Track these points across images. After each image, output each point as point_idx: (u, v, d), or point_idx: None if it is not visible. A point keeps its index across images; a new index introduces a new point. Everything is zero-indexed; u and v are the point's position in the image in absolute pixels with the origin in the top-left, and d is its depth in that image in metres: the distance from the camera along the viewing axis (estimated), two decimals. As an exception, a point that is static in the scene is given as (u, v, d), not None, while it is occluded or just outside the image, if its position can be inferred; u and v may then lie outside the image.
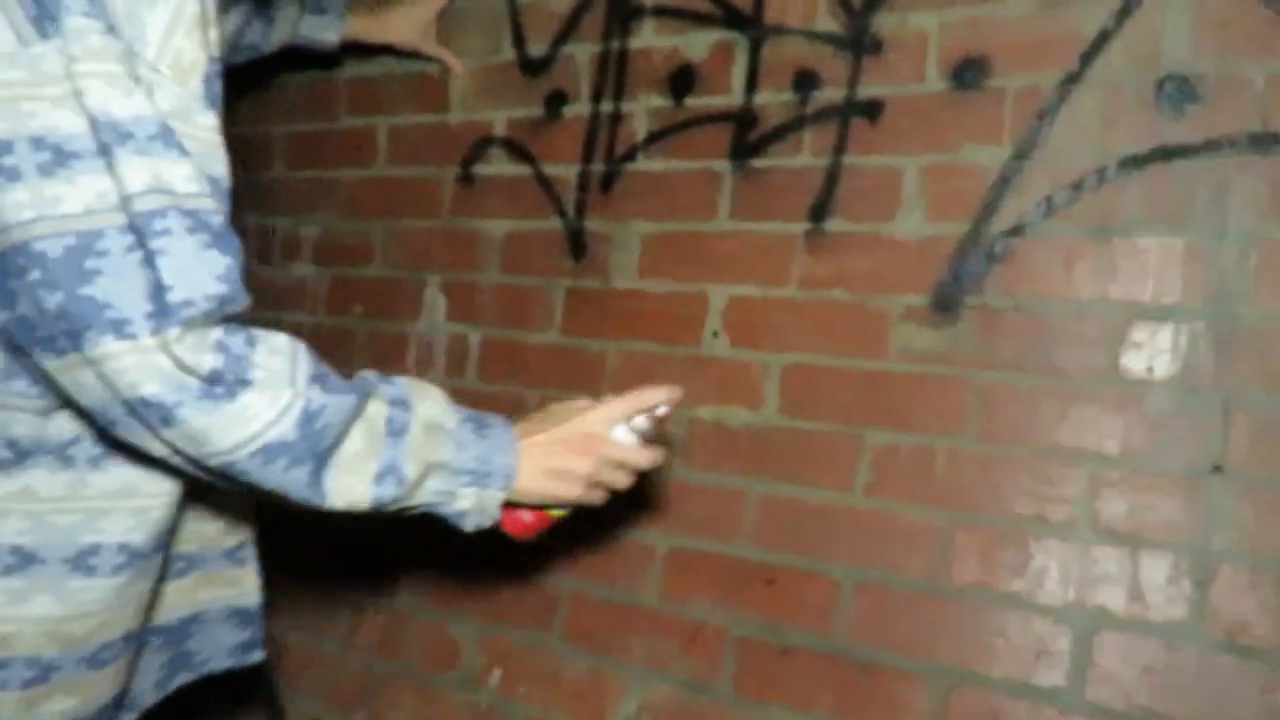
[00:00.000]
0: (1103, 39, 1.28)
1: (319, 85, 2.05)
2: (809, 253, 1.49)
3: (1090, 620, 1.23)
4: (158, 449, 0.77)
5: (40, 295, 0.70)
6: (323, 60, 1.95)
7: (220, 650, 1.12)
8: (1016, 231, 1.34)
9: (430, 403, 0.91)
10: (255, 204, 2.18)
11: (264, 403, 0.75)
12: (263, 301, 2.17)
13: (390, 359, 1.93)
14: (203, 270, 0.72)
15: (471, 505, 0.93)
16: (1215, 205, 1.22)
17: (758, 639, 1.43)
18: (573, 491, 1.00)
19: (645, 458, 1.04)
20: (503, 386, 1.78)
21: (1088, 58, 1.29)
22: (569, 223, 1.72)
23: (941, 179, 1.39)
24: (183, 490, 0.93)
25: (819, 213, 1.48)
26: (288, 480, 0.80)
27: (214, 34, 0.77)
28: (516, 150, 1.79)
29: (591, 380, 1.67)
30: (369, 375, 0.91)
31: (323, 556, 1.91)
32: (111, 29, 0.70)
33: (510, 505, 0.99)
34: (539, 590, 1.64)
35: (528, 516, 1.03)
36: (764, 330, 1.52)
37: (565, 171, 1.73)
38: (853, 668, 1.35)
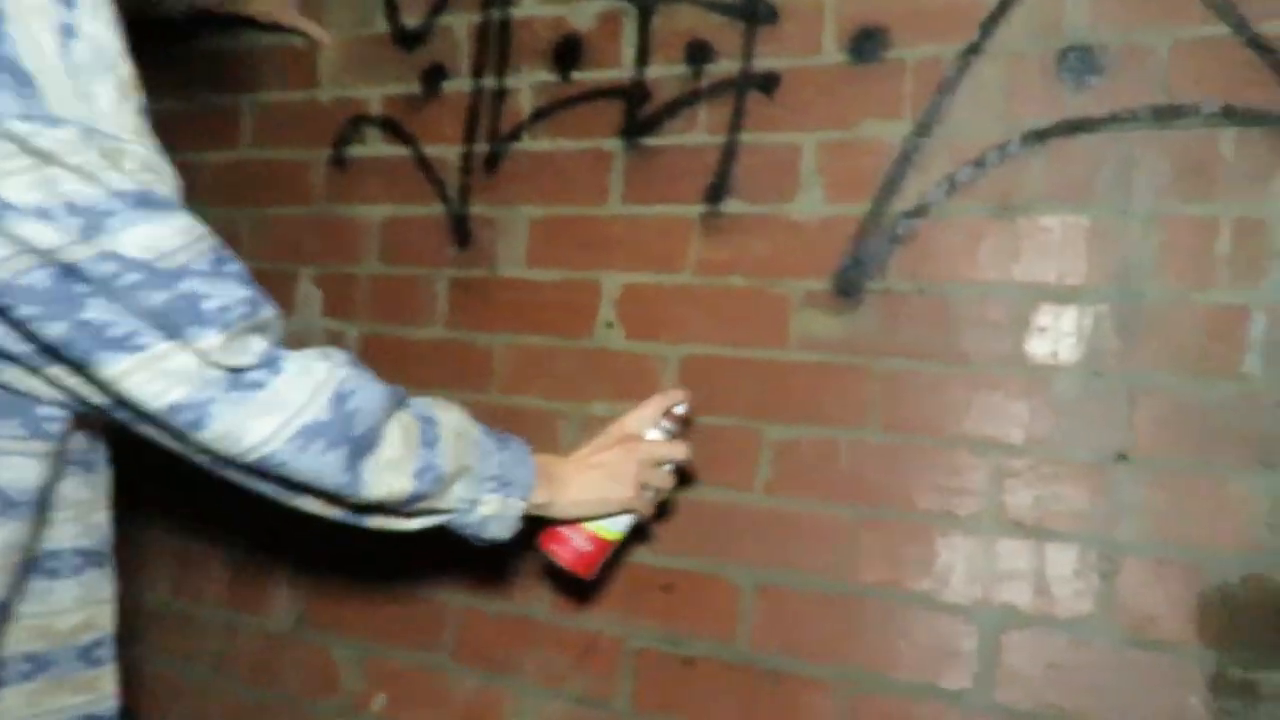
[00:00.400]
0: (1003, 7, 1.22)
1: (176, 60, 1.87)
2: (705, 236, 1.40)
3: (998, 618, 1.17)
4: (194, 457, 0.77)
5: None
6: (177, 33, 1.78)
7: None
8: (919, 211, 1.27)
9: (453, 414, 0.93)
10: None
11: (296, 386, 0.76)
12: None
13: (261, 358, 1.77)
14: (226, 281, 0.73)
15: (494, 511, 0.94)
16: (1119, 181, 1.17)
17: (657, 650, 1.34)
18: (625, 492, 1.03)
19: (682, 450, 1.08)
20: (384, 385, 1.64)
21: (988, 27, 1.23)
22: (452, 208, 1.60)
23: (841, 156, 1.32)
24: (19, 570, 0.82)
25: (715, 194, 1.39)
26: (324, 465, 0.78)
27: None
28: (393, 130, 1.65)
29: (479, 377, 1.55)
30: (402, 388, 0.91)
31: (190, 573, 1.75)
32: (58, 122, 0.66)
33: (562, 533, 1.04)
34: (427, 606, 1.51)
35: (585, 544, 1.05)
36: (660, 320, 1.43)
37: (446, 152, 1.60)
38: (757, 676, 1.27)
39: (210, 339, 0.70)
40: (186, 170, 2.04)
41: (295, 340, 1.71)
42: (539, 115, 1.52)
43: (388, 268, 1.66)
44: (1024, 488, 1.19)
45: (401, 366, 1.63)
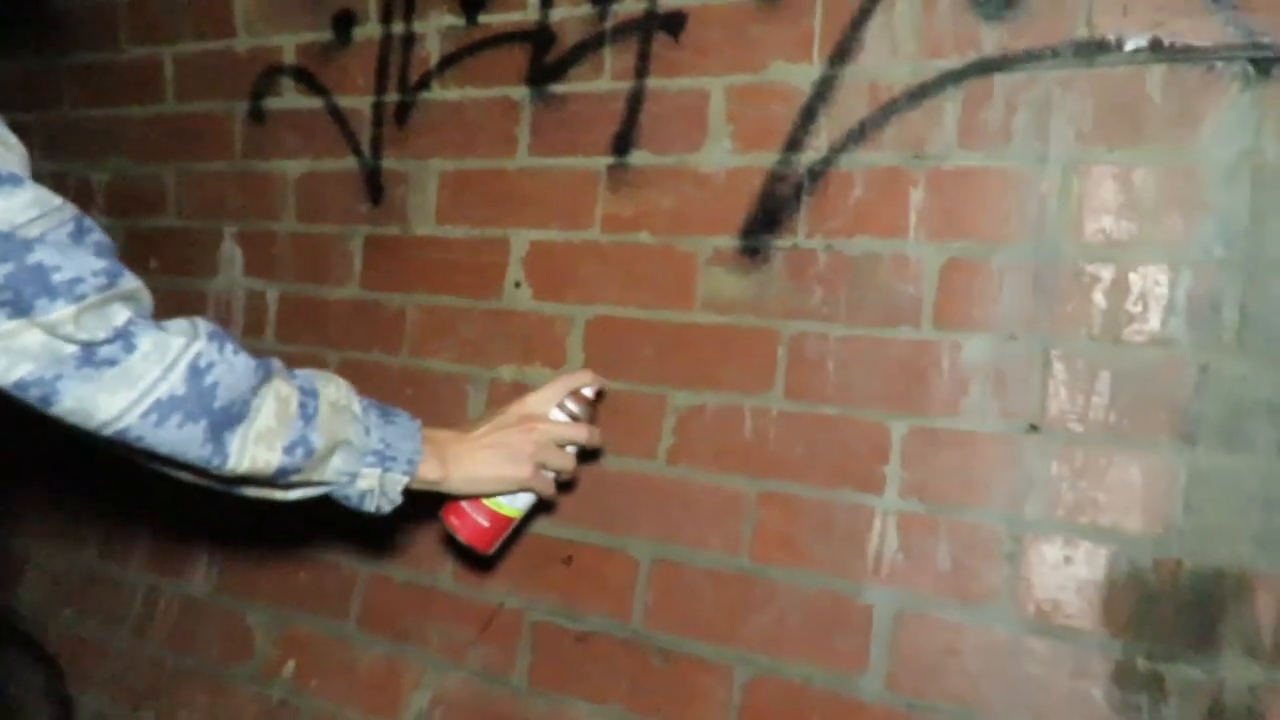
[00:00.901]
0: (915, -66, 1.11)
1: (101, 9, 1.81)
2: (612, 191, 1.32)
3: (897, 600, 1.09)
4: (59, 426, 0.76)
5: None
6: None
7: None
8: (828, 161, 1.17)
9: (334, 388, 0.91)
10: (47, 148, 1.95)
11: (150, 361, 0.75)
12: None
13: (187, 319, 1.73)
14: (81, 253, 0.72)
15: (372, 486, 0.93)
16: (1037, 125, 1.06)
17: (554, 624, 1.28)
18: (522, 470, 1.02)
19: (583, 433, 1.06)
20: (302, 347, 1.59)
21: (899, -43, 1.12)
22: (365, 162, 1.53)
23: (749, 102, 1.22)
24: None
25: (622, 144, 1.31)
26: (183, 438, 0.78)
27: None
28: (307, 80, 1.58)
29: (392, 338, 1.49)
30: (274, 359, 0.89)
31: (117, 537, 1.73)
32: None
33: (462, 508, 1.04)
34: (336, 572, 1.48)
35: (484, 520, 1.04)
36: (567, 279, 1.35)
37: (359, 103, 1.53)
38: (651, 655, 1.21)
39: (60, 311, 0.70)
40: (116, 124, 1.99)
41: (219, 301, 1.68)
42: (447, 62, 1.44)
43: (305, 225, 1.60)
44: (929, 460, 1.10)
45: (319, 328, 1.57)
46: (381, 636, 1.41)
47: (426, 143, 1.47)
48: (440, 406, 1.42)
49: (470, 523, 1.05)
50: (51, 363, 0.72)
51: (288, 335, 1.61)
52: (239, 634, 1.53)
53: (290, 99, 1.60)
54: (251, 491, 0.90)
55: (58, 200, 0.73)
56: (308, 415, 0.86)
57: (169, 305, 1.75)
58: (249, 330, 1.65)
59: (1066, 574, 1.03)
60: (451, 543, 1.16)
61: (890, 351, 1.13)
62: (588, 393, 1.08)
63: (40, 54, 1.94)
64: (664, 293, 1.28)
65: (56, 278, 0.70)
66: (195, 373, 0.78)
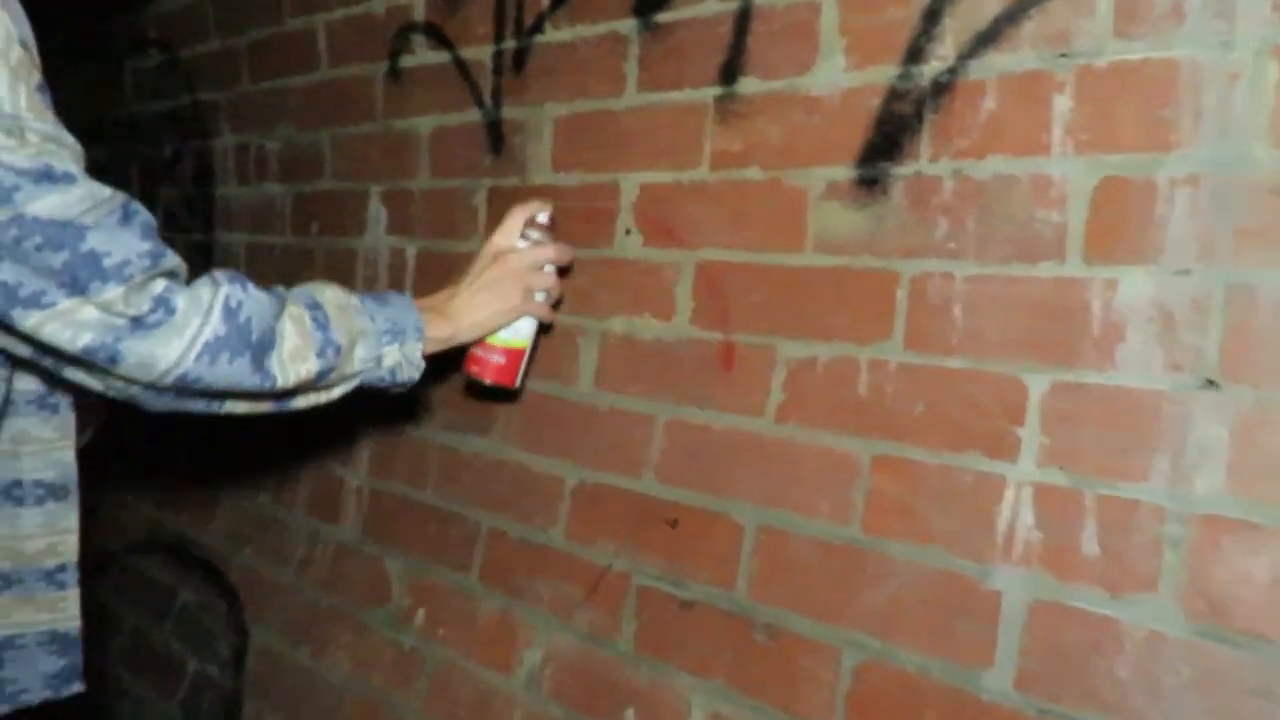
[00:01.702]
0: None
1: (259, -11, 1.91)
2: (720, 124, 1.20)
3: (1032, 587, 0.92)
4: (117, 387, 0.87)
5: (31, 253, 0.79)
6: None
7: (37, 679, 1.03)
8: (955, 70, 1.00)
9: (330, 292, 1.02)
10: (232, 122, 2.10)
11: (190, 313, 0.85)
12: (245, 225, 2.11)
13: (342, 279, 1.80)
14: (128, 235, 0.81)
15: (397, 360, 1.04)
16: (1220, 3, 0.84)
17: (660, 590, 1.21)
18: (513, 300, 1.15)
19: (553, 251, 1.18)
20: (436, 303, 1.60)
21: None
22: (487, 112, 1.51)
23: (864, 9, 1.06)
24: None
25: (729, 72, 1.19)
26: (235, 371, 0.88)
27: (38, 59, 0.83)
28: (435, 34, 1.58)
29: (513, 292, 1.47)
30: (277, 287, 0.98)
31: (286, 485, 1.85)
32: None
33: (477, 355, 1.17)
34: (461, 525, 1.48)
35: (499, 358, 1.17)
36: (677, 224, 1.26)
37: (480, 53, 1.51)
38: (755, 629, 1.11)
39: (111, 292, 0.80)
40: (282, 95, 2.10)
41: (367, 259, 1.74)
42: (559, 1, 1.38)
43: (437, 180, 1.61)
44: (1078, 423, 0.92)
45: (450, 283, 1.58)
46: (499, 591, 1.40)
47: (542, 88, 1.42)
48: (555, 361, 1.38)
49: (489, 365, 1.17)
50: (109, 330, 0.81)
51: (424, 292, 1.63)
52: (379, 580, 1.59)
53: (421, 55, 1.61)
54: (300, 402, 1.00)
55: (107, 191, 0.81)
56: (321, 323, 0.96)
57: (327, 265, 1.84)
58: (392, 288, 1.69)
59: (1248, 565, 0.82)
60: (484, 393, 1.29)
61: (1029, 292, 0.95)
62: (542, 218, 1.17)
63: (222, 35, 2.08)
64: (773, 233, 1.15)
65: (107, 262, 0.79)
66: (229, 312, 0.88)
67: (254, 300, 0.90)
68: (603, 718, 1.23)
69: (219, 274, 0.90)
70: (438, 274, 1.60)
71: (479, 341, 1.17)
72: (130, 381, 0.86)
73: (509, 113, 1.47)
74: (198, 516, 2.04)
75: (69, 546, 1.04)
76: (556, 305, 1.25)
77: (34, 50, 0.82)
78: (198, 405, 0.92)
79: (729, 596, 1.14)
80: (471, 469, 1.48)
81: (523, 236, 1.17)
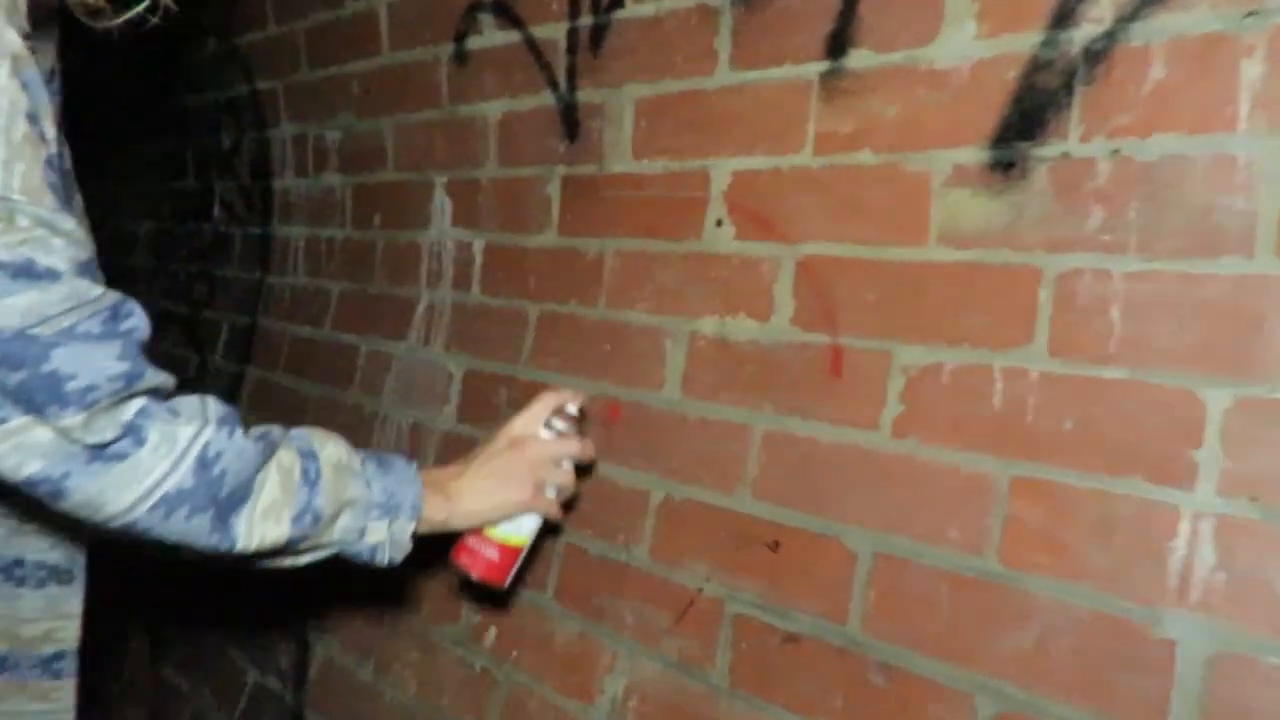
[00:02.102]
0: None
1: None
2: (826, 103, 1.08)
3: (1212, 639, 0.79)
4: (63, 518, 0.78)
5: None
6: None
7: None
8: (1114, 34, 0.86)
9: (333, 446, 0.93)
10: (290, 111, 2.03)
11: (158, 456, 0.76)
12: (302, 218, 2.04)
13: (405, 274, 1.72)
14: (103, 354, 0.72)
15: (382, 539, 0.95)
16: None
17: (758, 619, 1.10)
18: (521, 494, 1.06)
19: (577, 447, 1.10)
20: (505, 300, 1.51)
21: None
22: (560, 96, 1.40)
23: (1002, -31, 0.93)
24: None
25: (837, 44, 1.06)
26: (190, 529, 0.79)
27: (50, 131, 0.73)
28: (504, 13, 1.47)
29: (589, 287, 1.36)
30: (274, 428, 0.90)
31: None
32: None
33: (470, 545, 1.07)
34: (535, 540, 1.39)
35: (493, 554, 1.07)
36: (775, 215, 1.14)
37: (554, 32, 1.40)
38: (870, 669, 0.99)
39: (70, 419, 0.71)
40: (343, 82, 2.00)
41: (431, 253, 1.65)
42: (641, -29, 1.26)
43: (506, 169, 1.51)
44: (1265, 444, 0.78)
45: (519, 278, 1.48)
46: (577, 612, 1.30)
47: (622, 68, 1.31)
48: (637, 364, 1.28)
49: (480, 559, 1.07)
50: (60, 460, 0.72)
51: (491, 287, 1.54)
52: (447, 595, 1.50)
53: (489, 35, 1.51)
54: (261, 564, 0.89)
55: (96, 291, 0.73)
56: (311, 480, 0.87)
57: (389, 258, 1.75)
58: (457, 283, 1.60)
59: None
60: (467, 584, 1.16)
61: (1205, 292, 0.82)
62: (572, 409, 1.11)
63: (278, 21, 2.00)
64: (890, 224, 1.03)
65: (70, 386, 0.70)
66: (203, 464, 0.78)
67: (236, 450, 0.81)
68: (695, 757, 1.12)
69: (212, 406, 0.82)
70: (506, 269, 1.51)
71: (475, 530, 1.08)
72: (77, 518, 0.77)
73: (585, 95, 1.36)
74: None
75: (69, 634, 0.98)
76: (569, 505, 1.17)
77: (48, 120, 0.72)
78: (147, 546, 0.83)
79: (840, 630, 1.02)
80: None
81: (547, 425, 1.10)
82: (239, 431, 0.83)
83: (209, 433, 0.79)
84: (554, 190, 1.43)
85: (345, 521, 0.92)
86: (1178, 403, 0.83)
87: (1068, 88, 0.89)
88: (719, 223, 1.20)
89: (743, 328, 1.16)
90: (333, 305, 1.92)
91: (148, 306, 0.81)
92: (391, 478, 0.97)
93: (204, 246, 2.39)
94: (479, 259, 1.57)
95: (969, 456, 0.95)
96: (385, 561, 0.98)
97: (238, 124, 2.20)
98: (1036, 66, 0.91)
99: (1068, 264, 0.90)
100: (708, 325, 1.20)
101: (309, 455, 0.89)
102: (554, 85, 1.41)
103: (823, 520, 1.06)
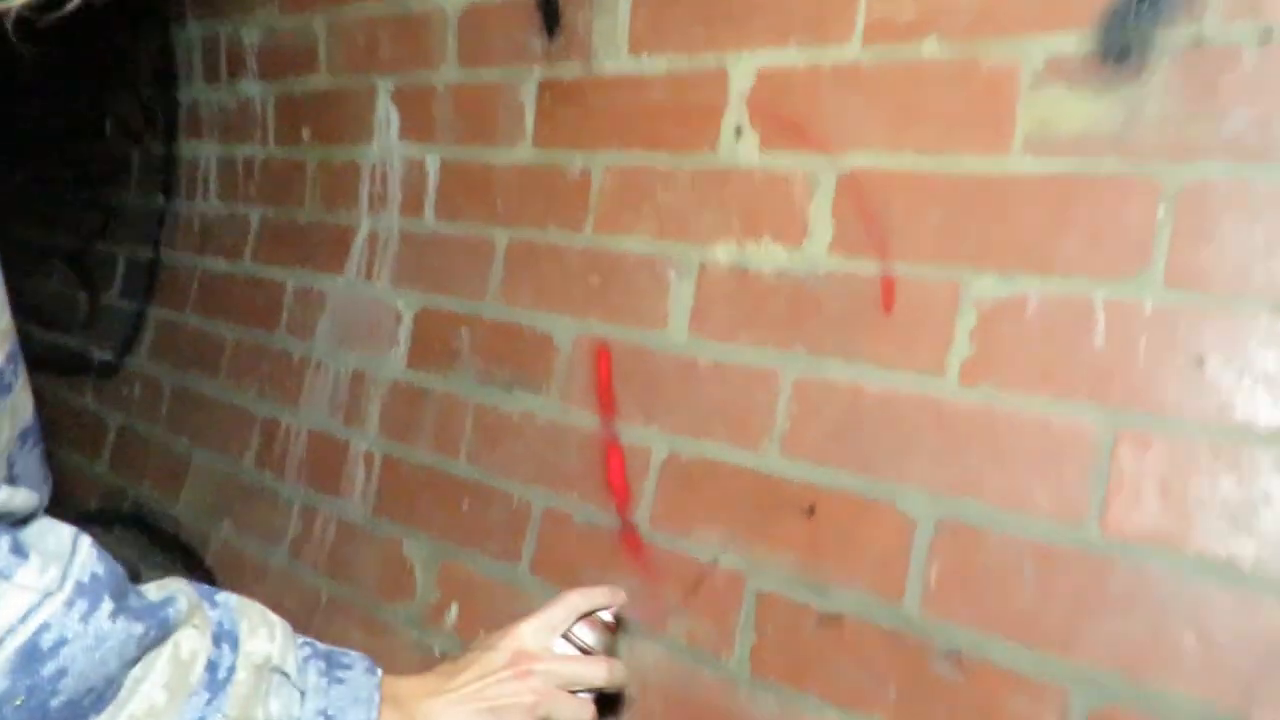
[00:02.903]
0: None
1: None
2: (883, -19, 0.90)
3: (1378, 617, 0.66)
4: None
5: None
6: None
7: None
8: (1272, -111, 0.70)
9: (265, 635, 0.69)
10: (199, 5, 1.74)
11: None
12: (214, 133, 1.76)
13: (341, 198, 1.48)
14: None
15: None
16: None
17: (789, 598, 0.94)
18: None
19: (599, 672, 0.86)
20: (466, 226, 1.29)
21: None
22: (539, -18, 1.18)
23: None
24: None
25: (901, -91, 0.88)
26: None
27: None
28: (468, -121, 1.24)
29: (573, 210, 1.16)
30: (184, 592, 0.67)
31: (275, 442, 1.54)
32: None
33: None
34: (506, 503, 1.19)
35: None
36: (811, 120, 0.96)
37: (531, -98, 1.18)
38: (932, 656, 0.84)
39: None
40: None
41: (375, 175, 1.41)
42: None
43: (467, 72, 1.29)
44: None
45: (485, 201, 1.27)
46: (560, 586, 1.12)
47: (617, -55, 1.10)
48: (633, 300, 1.09)
49: None
50: None
51: (448, 212, 1.32)
52: (398, 568, 1.30)
53: (448, -91, 1.27)
54: None
55: None
56: (216, 684, 0.64)
57: (322, 180, 1.50)
58: (406, 207, 1.37)
59: None
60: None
61: (1380, 206, 0.67)
62: (606, 616, 0.90)
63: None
64: (961, 130, 0.86)
65: None
66: (30, 659, 0.55)
67: (93, 639, 0.58)
68: (710, 757, 0.96)
69: (80, 561, 0.59)
70: (469, 191, 1.29)
71: None
72: None
73: (570, -20, 1.15)
74: (164, 482, 1.72)
75: None
76: None
77: None
78: None
79: (894, 611, 0.87)
80: (522, 435, 1.18)
81: (567, 637, 0.87)
82: (105, 607, 0.59)
83: (52, 608, 0.56)
84: (528, 96, 1.21)
85: None
86: (1337, 340, 0.68)
87: (1207, -44, 0.73)
88: (739, 131, 1.01)
89: (768, 255, 0.98)
90: (253, 235, 1.66)
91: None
92: (340, 691, 0.72)
93: (95, 170, 2.08)
94: (434, 179, 1.34)
95: (1062, 406, 0.80)
96: None
97: (132, 23, 1.89)
98: (1165, -70, 0.75)
99: (1195, 174, 0.74)
100: (723, 253, 1.02)
101: (226, 643, 0.66)
102: (530, -31, 1.19)
103: (871, 481, 0.89)
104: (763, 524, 0.96)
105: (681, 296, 1.05)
